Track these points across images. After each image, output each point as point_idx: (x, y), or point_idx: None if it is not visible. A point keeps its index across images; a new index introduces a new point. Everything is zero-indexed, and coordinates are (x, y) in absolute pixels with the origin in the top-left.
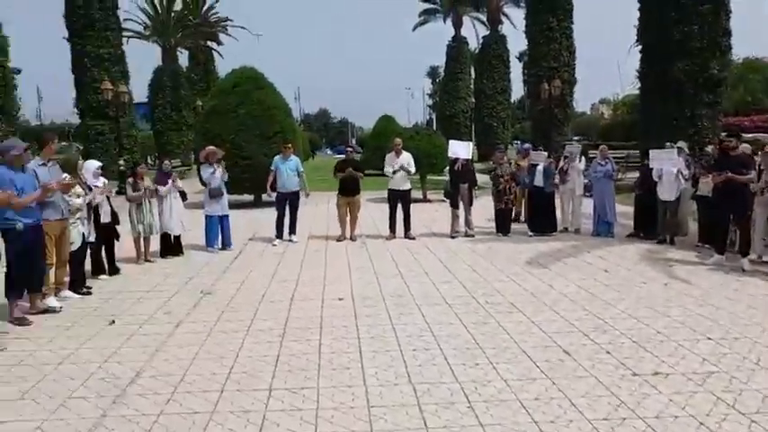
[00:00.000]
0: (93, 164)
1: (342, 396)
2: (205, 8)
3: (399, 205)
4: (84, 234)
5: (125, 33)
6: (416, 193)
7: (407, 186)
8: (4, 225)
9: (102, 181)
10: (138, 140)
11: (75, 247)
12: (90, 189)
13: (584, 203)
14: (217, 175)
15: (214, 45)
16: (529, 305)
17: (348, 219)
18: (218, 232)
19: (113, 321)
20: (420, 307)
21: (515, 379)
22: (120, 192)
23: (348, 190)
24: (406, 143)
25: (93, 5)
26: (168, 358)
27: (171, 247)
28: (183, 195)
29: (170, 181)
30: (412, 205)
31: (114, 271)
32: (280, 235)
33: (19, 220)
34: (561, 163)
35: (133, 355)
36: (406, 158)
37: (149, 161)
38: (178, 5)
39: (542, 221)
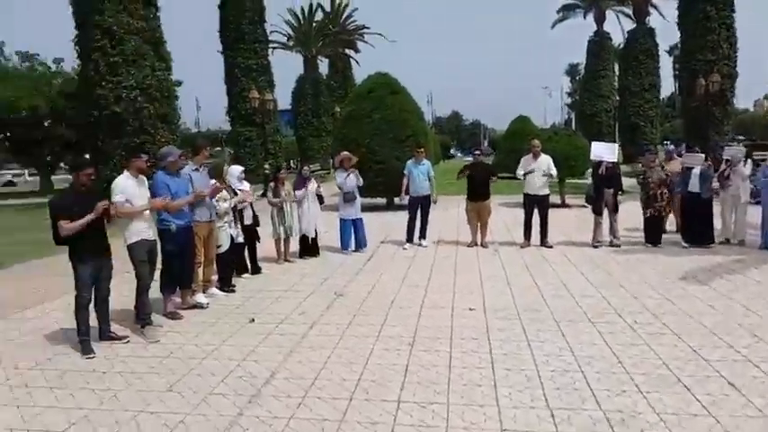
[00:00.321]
0: (237, 169)
1: (473, 415)
2: (344, 17)
3: (536, 211)
4: (232, 236)
5: (271, 45)
6: (554, 198)
7: (546, 191)
8: (161, 226)
9: (246, 185)
10: (282, 146)
11: (222, 250)
12: (235, 193)
13: (750, 212)
14: (350, 179)
15: (351, 53)
16: (685, 327)
17: (478, 224)
18: (351, 235)
19: (253, 320)
20: (559, 323)
21: (670, 413)
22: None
23: (476, 194)
24: (543, 145)
25: (244, 20)
26: (301, 360)
27: (309, 248)
28: (321, 199)
29: (305, 186)
30: (549, 210)
31: (256, 270)
32: (410, 239)
33: (173, 222)
34: (722, 167)
35: (269, 355)
36: (546, 162)
37: (292, 165)
38: (319, 16)
39: (699, 231)
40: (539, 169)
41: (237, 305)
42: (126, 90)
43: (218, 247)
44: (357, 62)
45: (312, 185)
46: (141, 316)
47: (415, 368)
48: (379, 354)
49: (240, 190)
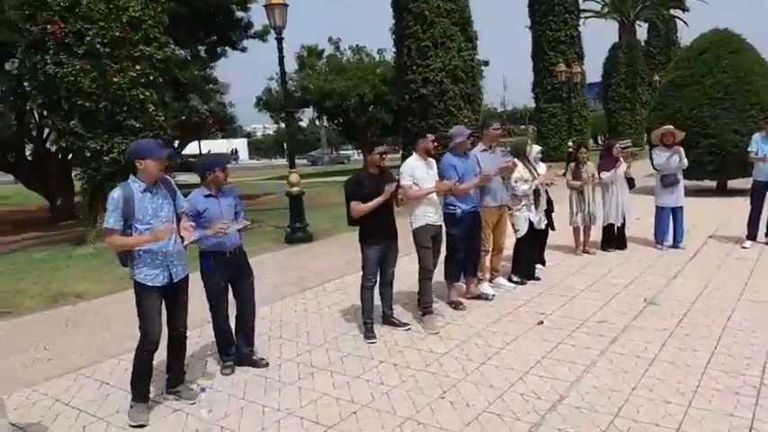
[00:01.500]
0: (535, 148)
1: None
2: None
3: None
4: (531, 221)
5: (583, 14)
6: None
7: None
8: (447, 210)
9: (542, 166)
10: (589, 121)
11: (519, 235)
12: (537, 175)
13: None
14: (673, 160)
15: (678, 12)
16: None
17: None
18: (668, 226)
19: (542, 322)
20: None
21: None
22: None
23: None
24: None
25: None
26: (598, 385)
27: (614, 239)
28: (631, 182)
29: (614, 167)
30: None
31: (543, 262)
32: (753, 234)
33: (459, 206)
34: None
35: (558, 371)
36: None
37: (599, 141)
38: None
39: None
40: None
41: (526, 301)
42: (433, 73)
43: (516, 231)
44: (685, 23)
45: (622, 167)
46: (423, 303)
47: None
48: (707, 394)
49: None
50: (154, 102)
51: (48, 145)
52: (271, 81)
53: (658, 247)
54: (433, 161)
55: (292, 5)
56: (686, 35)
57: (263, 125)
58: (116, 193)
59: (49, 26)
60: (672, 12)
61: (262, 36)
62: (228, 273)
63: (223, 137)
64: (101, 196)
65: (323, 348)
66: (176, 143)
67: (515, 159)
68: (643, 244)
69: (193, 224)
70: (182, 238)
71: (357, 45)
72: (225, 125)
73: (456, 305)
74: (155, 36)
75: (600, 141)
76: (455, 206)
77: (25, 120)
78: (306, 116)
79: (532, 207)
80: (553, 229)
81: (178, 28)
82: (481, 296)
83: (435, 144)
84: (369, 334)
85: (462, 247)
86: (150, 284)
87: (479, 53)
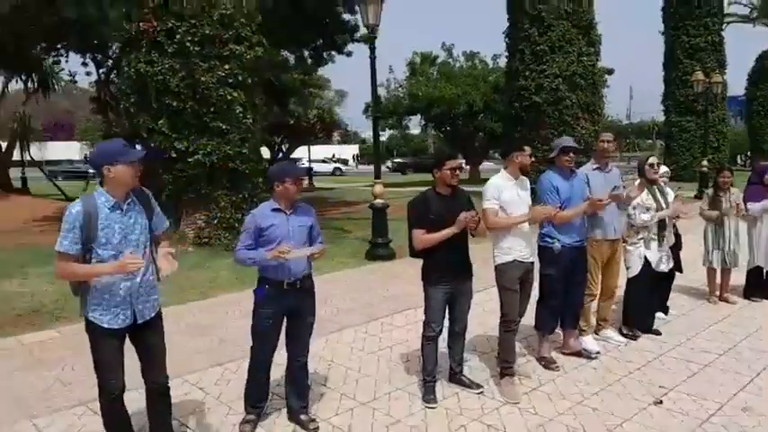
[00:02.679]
0: (662, 169)
1: None
2: None
3: None
4: (648, 259)
5: (727, 18)
6: None
7: None
8: (542, 242)
9: (670, 193)
10: (728, 138)
11: (631, 274)
12: (664, 203)
13: None
14: None
15: None
16: None
17: None
18: None
19: (660, 401)
20: None
21: None
22: (699, 197)
23: None
24: None
25: None
26: None
27: (761, 285)
28: None
29: (766, 195)
30: None
31: (666, 310)
32: None
33: (558, 239)
34: None
35: None
36: None
37: (739, 161)
38: None
39: None
40: None
41: (639, 365)
42: (548, 79)
43: (627, 269)
44: None
45: None
46: (502, 361)
47: None
48: None
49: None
50: (242, 103)
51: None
52: (380, 87)
53: None
54: (527, 181)
55: (410, 12)
56: None
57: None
58: (75, 208)
59: (143, 24)
60: None
61: (368, 40)
62: (284, 307)
63: (340, 142)
64: (185, 199)
65: (368, 408)
66: (284, 147)
67: (637, 184)
68: None
69: (173, 250)
70: (157, 269)
71: (471, 51)
72: (332, 131)
73: (547, 363)
74: (246, 35)
75: (739, 161)
76: (553, 239)
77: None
78: (412, 124)
79: (653, 243)
80: (680, 271)
81: (281, 30)
82: (582, 353)
83: (533, 159)
84: (428, 396)
85: (560, 291)
86: (107, 326)
87: (603, 60)
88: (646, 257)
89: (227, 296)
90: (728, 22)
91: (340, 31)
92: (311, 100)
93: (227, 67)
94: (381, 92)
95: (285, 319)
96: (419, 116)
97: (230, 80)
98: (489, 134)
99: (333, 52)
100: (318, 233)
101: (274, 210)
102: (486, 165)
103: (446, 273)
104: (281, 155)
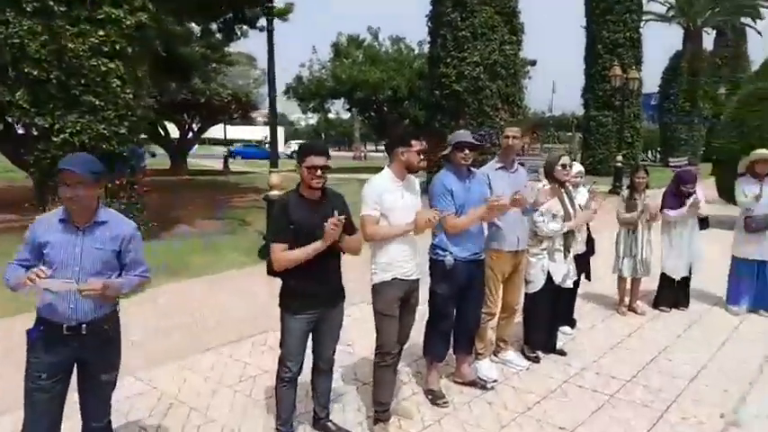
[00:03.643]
0: (575, 168)
1: None
2: None
3: None
4: (550, 273)
5: (645, 16)
6: None
7: None
8: (432, 255)
9: (582, 193)
10: (641, 134)
11: (531, 289)
12: (573, 209)
13: None
14: (766, 197)
15: (749, 21)
16: None
17: None
18: (750, 285)
19: None
20: None
21: None
22: (614, 191)
23: None
24: None
25: None
26: None
27: (673, 295)
28: (704, 223)
29: (686, 199)
30: None
31: (573, 323)
32: None
33: (451, 251)
34: None
35: None
36: None
37: (649, 156)
38: None
39: None
40: None
41: (540, 396)
42: (469, 67)
43: (527, 284)
44: (759, 32)
45: (697, 199)
46: (375, 404)
47: None
48: None
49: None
50: (120, 75)
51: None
52: (302, 68)
53: (731, 309)
54: (416, 182)
55: None
56: (758, 46)
57: (307, 115)
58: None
59: None
60: (743, 20)
61: (282, 15)
62: (66, 358)
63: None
64: (50, 184)
65: None
66: (195, 127)
67: (544, 183)
68: (710, 302)
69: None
70: None
71: (396, 36)
72: (248, 111)
73: (435, 398)
74: None
75: (650, 156)
76: (445, 251)
77: None
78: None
79: (557, 254)
80: (588, 279)
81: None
82: (477, 383)
83: (423, 157)
84: None
85: (452, 311)
86: None
87: (526, 51)
88: (549, 271)
89: None
90: (647, 20)
91: (249, 3)
92: (214, 76)
93: (101, 33)
94: (304, 72)
95: (75, 372)
96: (342, 100)
97: (105, 48)
98: (414, 122)
99: (245, 26)
100: (136, 262)
101: (62, 221)
102: None
103: (310, 299)
104: (191, 134)
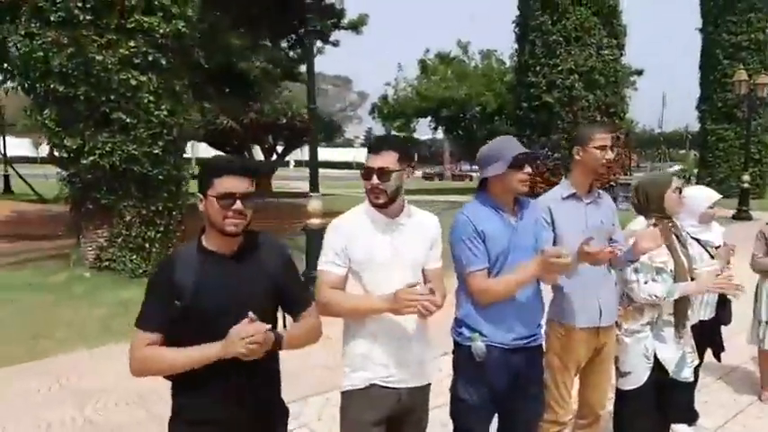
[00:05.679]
0: (703, 196)
1: None
2: None
3: None
4: (660, 358)
5: None
6: None
7: None
8: (455, 337)
9: (715, 233)
10: None
11: (629, 386)
12: (688, 260)
13: None
14: None
15: None
16: None
17: None
18: None
19: None
20: None
21: None
22: (740, 218)
23: None
24: None
25: None
26: None
27: None
28: None
29: None
30: None
31: (693, 418)
32: None
33: (481, 334)
34: None
35: None
36: None
37: None
38: None
39: None
40: None
41: None
42: (561, 75)
43: (623, 375)
44: None
45: None
46: None
47: None
48: None
49: (712, 245)
50: (153, 90)
51: None
52: (388, 87)
53: None
54: (428, 220)
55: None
56: None
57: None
58: None
59: None
60: None
61: (355, 27)
62: None
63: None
64: (83, 210)
65: None
66: (279, 149)
67: (652, 227)
68: None
69: None
70: None
71: (487, 50)
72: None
73: None
74: (161, 3)
75: None
76: (474, 331)
77: None
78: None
79: (667, 330)
80: (718, 359)
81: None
82: None
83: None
84: None
85: (487, 421)
86: None
87: (630, 57)
88: (656, 356)
89: (79, 355)
90: None
91: (320, 15)
92: (291, 96)
93: (131, 43)
94: (389, 91)
95: None
96: (429, 118)
97: (136, 60)
98: None
99: (318, 41)
100: None
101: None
102: None
103: (220, 417)
104: (275, 156)
